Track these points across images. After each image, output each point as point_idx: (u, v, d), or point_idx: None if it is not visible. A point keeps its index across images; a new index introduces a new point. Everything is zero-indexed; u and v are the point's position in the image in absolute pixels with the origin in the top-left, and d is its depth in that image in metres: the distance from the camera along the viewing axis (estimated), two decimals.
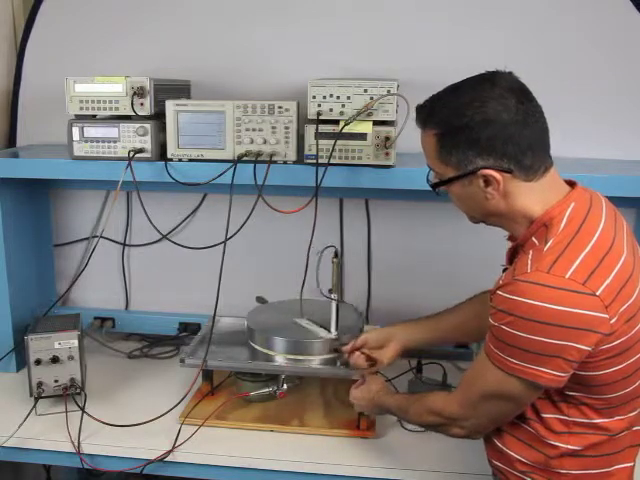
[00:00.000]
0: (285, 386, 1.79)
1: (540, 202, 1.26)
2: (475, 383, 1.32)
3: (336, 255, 1.79)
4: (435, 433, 1.43)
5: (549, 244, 1.21)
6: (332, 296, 1.80)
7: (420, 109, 1.32)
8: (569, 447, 1.28)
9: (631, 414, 1.30)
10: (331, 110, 1.77)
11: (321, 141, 1.78)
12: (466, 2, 2.03)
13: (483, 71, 1.30)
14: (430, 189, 1.37)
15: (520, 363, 1.20)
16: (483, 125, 1.21)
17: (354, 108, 1.76)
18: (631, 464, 1.34)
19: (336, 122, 1.77)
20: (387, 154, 1.78)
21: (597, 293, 1.16)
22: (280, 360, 1.82)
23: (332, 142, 1.76)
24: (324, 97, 1.77)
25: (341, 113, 1.77)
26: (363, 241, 2.23)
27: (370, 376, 1.70)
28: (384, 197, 2.14)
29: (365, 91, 1.75)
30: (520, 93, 1.24)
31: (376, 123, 1.77)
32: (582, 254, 1.18)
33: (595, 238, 1.21)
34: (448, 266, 2.17)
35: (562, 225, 1.23)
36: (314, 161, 1.78)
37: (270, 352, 1.84)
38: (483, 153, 1.23)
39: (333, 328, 1.83)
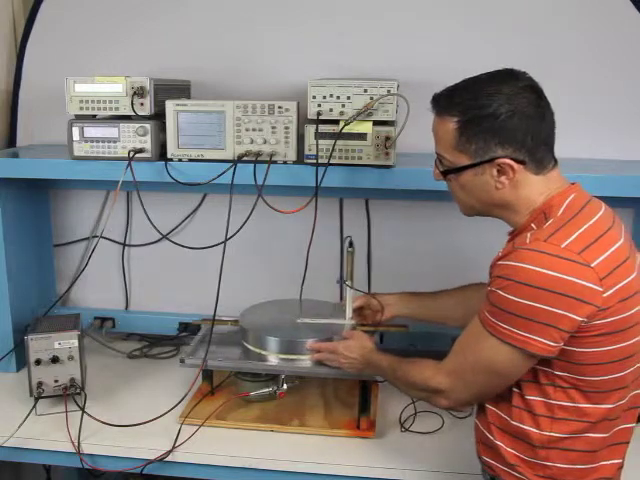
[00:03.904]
0: (285, 386, 1.79)
1: (543, 194, 1.31)
2: (466, 351, 1.34)
3: (350, 245, 1.85)
4: (434, 434, 1.43)
5: (548, 222, 1.26)
6: (347, 283, 1.85)
7: (439, 97, 1.34)
8: (552, 434, 1.29)
9: (618, 403, 1.30)
10: (331, 110, 1.77)
11: (321, 141, 1.78)
12: (466, 2, 2.03)
13: (483, 71, 1.34)
14: (423, 189, 1.37)
15: (512, 329, 1.23)
16: (509, 115, 1.25)
17: (354, 108, 1.76)
18: (618, 461, 1.35)
19: (336, 122, 1.77)
20: (387, 154, 1.78)
21: (592, 265, 1.19)
22: (280, 360, 1.81)
23: (332, 142, 1.76)
24: (324, 97, 1.77)
25: (341, 113, 1.77)
26: (363, 241, 2.23)
27: (359, 333, 1.73)
28: (384, 197, 2.14)
29: (365, 91, 1.75)
30: (537, 90, 1.29)
31: (376, 123, 1.77)
32: (579, 230, 1.24)
33: (592, 221, 1.27)
34: (448, 266, 2.16)
35: (561, 210, 1.28)
36: (314, 161, 1.78)
37: (270, 352, 1.83)
38: (504, 142, 1.27)
39: (349, 314, 1.88)
